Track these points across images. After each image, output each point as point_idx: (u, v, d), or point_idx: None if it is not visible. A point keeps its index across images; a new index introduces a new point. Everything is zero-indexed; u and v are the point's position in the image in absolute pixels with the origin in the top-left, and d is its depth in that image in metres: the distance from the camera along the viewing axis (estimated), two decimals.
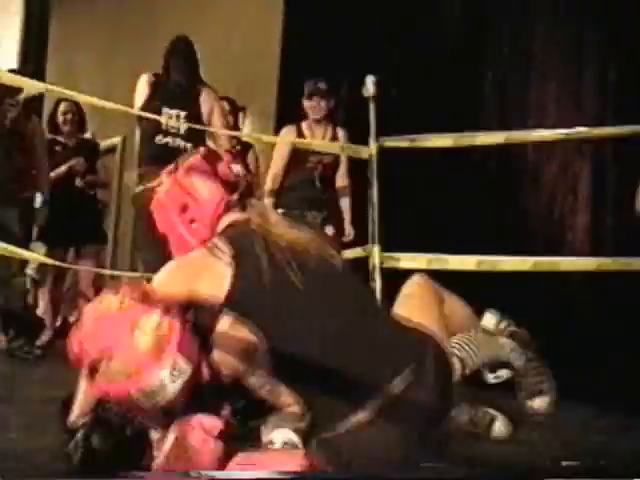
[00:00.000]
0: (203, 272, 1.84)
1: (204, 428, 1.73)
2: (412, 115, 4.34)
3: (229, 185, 1.98)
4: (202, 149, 2.08)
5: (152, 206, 2.05)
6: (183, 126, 3.91)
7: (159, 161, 2.98)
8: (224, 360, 1.83)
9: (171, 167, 2.05)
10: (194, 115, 3.98)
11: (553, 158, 4.03)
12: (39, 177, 4.89)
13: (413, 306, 1.99)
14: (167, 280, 1.88)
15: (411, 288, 2.07)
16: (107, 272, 4.36)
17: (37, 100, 5.19)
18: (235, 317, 1.82)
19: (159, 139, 3.99)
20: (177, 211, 1.97)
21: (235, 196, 1.98)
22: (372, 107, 3.60)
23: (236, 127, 4.88)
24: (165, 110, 3.96)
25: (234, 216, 1.96)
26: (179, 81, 4.10)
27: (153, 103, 4.01)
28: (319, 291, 1.83)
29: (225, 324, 1.84)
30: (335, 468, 1.69)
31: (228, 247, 1.84)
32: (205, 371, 1.83)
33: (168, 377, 1.66)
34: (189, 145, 3.83)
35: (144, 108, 3.99)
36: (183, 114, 3.98)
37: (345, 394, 1.74)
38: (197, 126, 3.87)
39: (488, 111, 4.39)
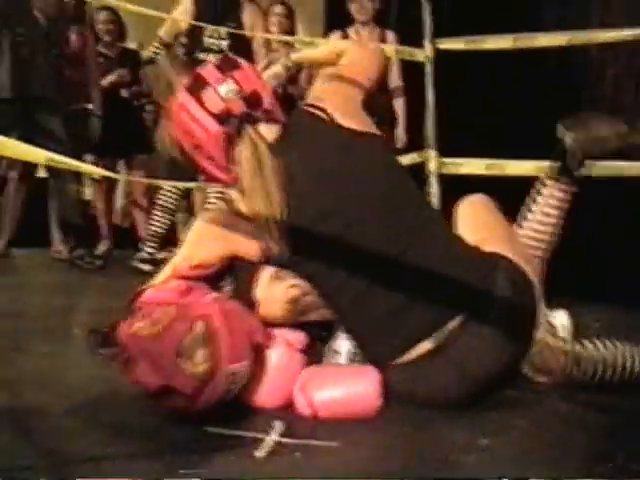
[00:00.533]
0: (232, 232, 1.75)
1: (287, 342, 1.71)
2: (466, 15, 4.18)
3: (220, 116, 1.76)
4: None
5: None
6: (224, 43, 4.00)
7: None
8: (271, 315, 1.75)
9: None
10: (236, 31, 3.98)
11: (618, 54, 3.86)
12: (90, 89, 4.90)
13: (479, 225, 1.85)
14: (199, 246, 1.78)
15: (472, 207, 1.91)
16: (159, 182, 4.35)
17: (82, 10, 5.08)
18: (273, 271, 1.76)
19: (200, 56, 4.08)
20: (193, 150, 1.82)
21: (233, 123, 1.76)
22: (426, 6, 3.47)
23: (292, 32, 4.81)
24: (208, 28, 4.01)
25: (240, 150, 1.76)
26: None
27: (196, 20, 4.03)
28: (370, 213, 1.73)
29: (266, 276, 1.76)
30: (398, 396, 1.69)
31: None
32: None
33: (228, 386, 1.56)
34: None
35: (189, 28, 4.09)
36: (224, 30, 4.00)
37: (405, 327, 1.68)
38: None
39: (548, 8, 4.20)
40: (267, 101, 1.81)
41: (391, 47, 4.18)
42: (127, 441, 1.44)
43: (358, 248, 1.70)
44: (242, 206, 1.75)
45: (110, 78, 5.14)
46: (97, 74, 4.97)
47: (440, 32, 3.56)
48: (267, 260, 1.76)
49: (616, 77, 3.90)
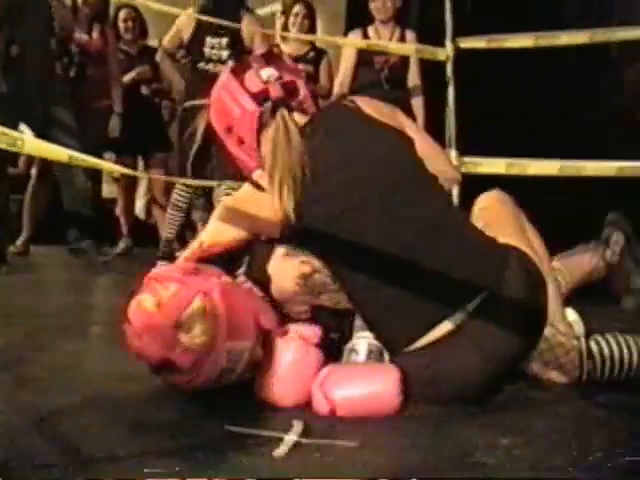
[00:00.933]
0: (255, 208, 1.82)
1: (303, 337, 1.71)
2: (487, 14, 4.17)
3: (258, 95, 1.85)
4: (231, 63, 1.98)
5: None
6: (225, 53, 4.31)
7: (201, 86, 3.56)
8: (282, 290, 1.80)
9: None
10: (235, 42, 4.33)
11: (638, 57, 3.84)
12: (111, 86, 4.92)
13: (491, 220, 1.88)
14: (219, 229, 1.86)
15: (487, 202, 1.95)
16: (177, 179, 4.37)
17: (103, 9, 5.11)
18: (288, 247, 1.81)
19: (201, 65, 4.40)
20: (225, 133, 1.91)
21: (268, 105, 1.85)
22: (448, 6, 3.46)
23: (313, 31, 4.82)
24: (208, 39, 4.36)
25: (270, 131, 1.84)
26: (222, 10, 4.27)
27: (199, 33, 4.39)
28: (388, 197, 1.76)
29: (279, 253, 1.81)
30: (423, 383, 1.68)
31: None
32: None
33: (228, 364, 1.60)
34: None
35: (191, 39, 4.44)
36: (225, 42, 4.32)
37: (423, 308, 1.70)
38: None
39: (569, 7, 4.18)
40: (302, 93, 1.90)
41: (412, 46, 4.18)
42: (146, 439, 1.44)
43: (369, 230, 1.73)
44: (264, 184, 1.81)
45: (131, 75, 5.17)
46: (118, 72, 5.00)
47: (460, 31, 3.56)
48: (281, 239, 1.81)
49: (637, 74, 3.87)
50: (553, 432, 1.57)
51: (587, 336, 1.88)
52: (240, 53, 4.28)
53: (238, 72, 1.90)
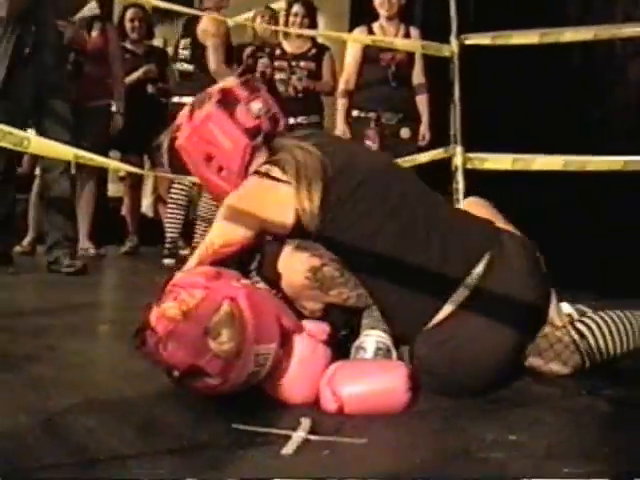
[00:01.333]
0: (265, 197, 1.85)
1: (310, 334, 1.71)
2: (491, 11, 4.16)
3: (250, 130, 1.92)
4: (216, 94, 1.96)
5: (177, 147, 1.99)
6: (185, 52, 4.69)
7: (180, 83, 4.65)
8: (292, 284, 1.80)
9: (186, 111, 1.98)
10: (194, 41, 4.66)
11: None
12: (114, 86, 4.92)
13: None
14: (228, 226, 1.86)
15: (468, 205, 2.03)
16: (182, 177, 4.36)
17: (107, 8, 5.12)
18: (297, 243, 1.81)
19: (173, 65, 4.85)
20: (202, 160, 1.93)
21: (259, 139, 1.92)
22: (453, 2, 3.45)
23: (313, 27, 4.81)
24: (181, 41, 4.75)
25: (263, 158, 1.92)
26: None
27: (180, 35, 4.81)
28: (382, 189, 1.83)
29: (288, 249, 1.81)
30: (441, 365, 1.71)
31: (280, 169, 1.84)
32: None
33: (255, 367, 1.59)
34: (191, 67, 4.66)
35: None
36: (188, 42, 4.68)
37: (424, 291, 1.73)
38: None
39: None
40: (282, 122, 2.00)
41: (417, 42, 4.17)
42: (154, 439, 1.44)
43: (374, 212, 1.79)
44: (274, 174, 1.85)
45: (137, 74, 5.18)
46: (121, 71, 5.00)
47: (465, 28, 3.55)
48: (291, 234, 1.82)
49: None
50: (560, 427, 1.58)
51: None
52: (199, 50, 4.60)
53: (226, 104, 1.93)
